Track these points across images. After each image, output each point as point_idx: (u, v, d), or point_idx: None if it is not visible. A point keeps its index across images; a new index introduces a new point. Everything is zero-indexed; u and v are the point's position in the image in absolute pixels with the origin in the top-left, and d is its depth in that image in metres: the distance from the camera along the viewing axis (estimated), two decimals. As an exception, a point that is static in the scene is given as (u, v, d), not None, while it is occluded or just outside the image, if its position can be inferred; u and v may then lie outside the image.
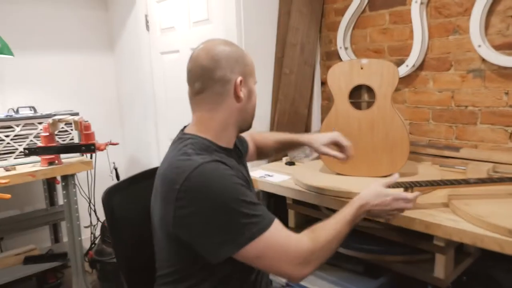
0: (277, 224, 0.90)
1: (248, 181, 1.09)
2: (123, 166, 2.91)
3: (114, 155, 2.44)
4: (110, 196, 1.07)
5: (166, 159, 1.00)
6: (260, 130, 2.10)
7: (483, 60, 1.64)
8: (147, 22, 2.59)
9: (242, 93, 1.01)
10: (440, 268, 1.29)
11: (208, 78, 0.99)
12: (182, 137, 1.01)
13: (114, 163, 2.27)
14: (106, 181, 1.67)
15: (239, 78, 1.00)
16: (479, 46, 1.61)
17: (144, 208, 1.08)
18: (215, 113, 1.01)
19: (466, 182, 1.25)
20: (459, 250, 1.42)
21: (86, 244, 2.35)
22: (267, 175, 1.79)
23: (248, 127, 1.10)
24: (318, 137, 1.33)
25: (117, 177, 2.27)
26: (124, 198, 1.11)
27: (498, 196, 1.27)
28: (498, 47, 1.60)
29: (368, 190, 1.08)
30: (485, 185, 1.27)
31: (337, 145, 1.33)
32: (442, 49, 1.76)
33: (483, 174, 1.52)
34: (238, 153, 1.18)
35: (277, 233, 0.89)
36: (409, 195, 1.10)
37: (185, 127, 1.08)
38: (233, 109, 1.02)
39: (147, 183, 1.10)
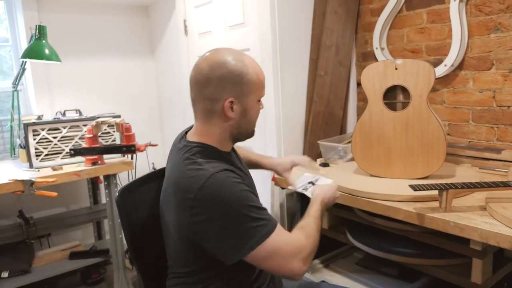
0: (279, 226, 0.96)
1: (252, 184, 1.13)
2: (163, 166, 3.01)
3: (154, 155, 2.53)
4: (123, 195, 1.13)
5: (174, 166, 1.04)
6: (295, 133, 2.11)
7: (527, 58, 1.57)
8: (185, 26, 2.67)
9: (234, 113, 1.02)
10: (477, 273, 1.25)
11: (199, 93, 1.02)
12: (188, 145, 1.04)
13: (153, 163, 2.35)
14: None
15: (229, 99, 1.00)
16: (522, 43, 1.55)
17: (153, 207, 1.14)
18: (209, 126, 1.04)
19: (504, 185, 1.20)
20: (499, 255, 1.37)
21: (127, 242, 2.44)
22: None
23: (246, 137, 1.11)
24: (280, 163, 1.43)
25: (156, 177, 2.34)
26: (136, 197, 1.17)
27: (541, 199, 1.21)
28: (543, 45, 1.54)
29: (319, 188, 1.23)
30: (525, 188, 1.22)
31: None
32: (483, 48, 1.70)
33: (526, 177, 1.46)
34: (238, 154, 1.22)
35: (281, 234, 0.96)
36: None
37: (186, 132, 1.12)
38: (224, 126, 1.04)
39: (157, 182, 1.18)
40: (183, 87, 2.79)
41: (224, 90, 0.99)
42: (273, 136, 2.03)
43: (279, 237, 0.94)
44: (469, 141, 1.81)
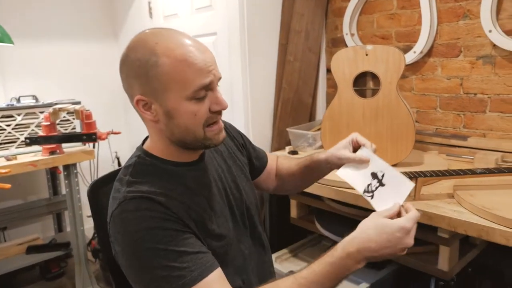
0: (213, 279, 0.75)
1: (208, 208, 0.87)
2: (127, 155, 2.90)
3: (117, 144, 2.43)
4: (94, 190, 1.04)
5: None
6: (263, 120, 2.06)
7: (494, 45, 1.57)
8: (150, 9, 2.55)
9: (153, 114, 0.81)
10: (444, 260, 1.25)
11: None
12: (135, 153, 0.90)
13: (116, 152, 2.25)
14: (109, 171, 1.67)
15: (136, 98, 0.80)
16: (490, 31, 1.54)
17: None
18: (149, 131, 0.88)
19: (472, 173, 1.20)
20: (465, 241, 1.38)
21: (89, 234, 2.34)
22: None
23: (200, 144, 0.85)
24: (337, 146, 1.04)
25: (119, 166, 2.26)
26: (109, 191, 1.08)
27: (506, 186, 1.22)
28: (509, 32, 1.54)
29: (362, 229, 0.78)
30: (492, 175, 1.22)
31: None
32: (452, 35, 1.70)
33: (491, 164, 1.48)
34: (223, 152, 1.02)
35: None
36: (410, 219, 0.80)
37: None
38: (157, 130, 0.85)
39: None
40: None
41: (130, 86, 0.81)
42: (241, 124, 1.98)
43: None
44: (436, 128, 1.82)
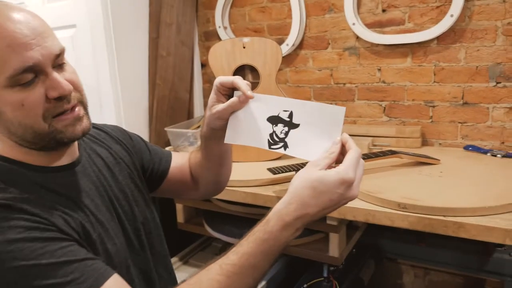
0: (112, 286, 0.62)
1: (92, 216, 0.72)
2: None
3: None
4: None
5: None
6: (138, 121, 1.90)
7: (357, 37, 1.68)
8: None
9: None
10: (335, 247, 1.29)
11: None
12: None
13: None
14: None
15: None
16: (353, 24, 1.64)
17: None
18: None
19: (354, 159, 1.25)
20: (350, 225, 1.44)
21: None
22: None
23: (48, 143, 0.69)
24: (209, 102, 0.82)
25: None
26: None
27: (383, 169, 1.30)
28: (369, 25, 1.66)
29: (297, 189, 0.65)
30: (369, 160, 1.29)
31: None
32: (320, 28, 1.77)
33: (364, 149, 1.57)
34: (107, 157, 0.85)
35: None
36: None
37: None
38: None
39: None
40: None
41: None
42: (114, 126, 1.78)
43: None
44: (312, 119, 1.88)
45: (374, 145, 1.64)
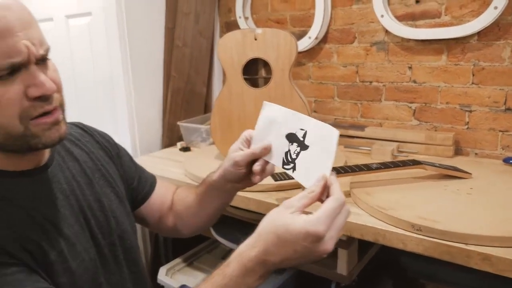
0: None
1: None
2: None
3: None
4: None
5: None
6: (151, 114, 1.82)
7: (387, 31, 1.51)
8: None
9: None
10: (343, 264, 1.15)
11: None
12: None
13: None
14: None
15: None
16: (382, 16, 1.48)
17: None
18: None
19: (368, 168, 1.11)
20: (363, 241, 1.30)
21: None
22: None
23: (20, 147, 0.61)
24: (228, 154, 0.80)
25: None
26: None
27: (402, 181, 1.15)
28: (400, 18, 1.49)
29: (261, 233, 0.60)
30: (385, 170, 1.14)
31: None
32: (346, 20, 1.61)
33: (387, 155, 1.42)
34: (84, 162, 0.78)
35: None
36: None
37: None
38: None
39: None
40: None
41: None
42: (124, 118, 1.72)
43: None
44: (335, 118, 1.74)
45: (400, 152, 1.47)
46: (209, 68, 1.95)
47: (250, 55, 1.33)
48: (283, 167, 0.69)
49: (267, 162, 0.74)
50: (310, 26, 1.66)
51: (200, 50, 1.87)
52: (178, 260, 1.57)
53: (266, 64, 1.35)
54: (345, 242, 1.13)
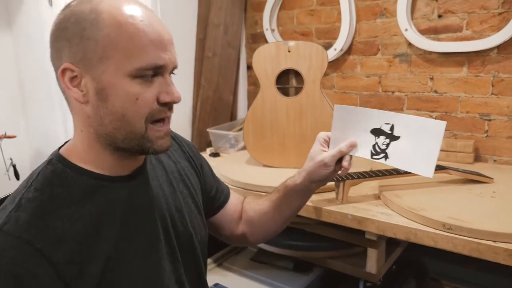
0: None
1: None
2: (27, 162, 2.56)
3: (14, 149, 2.12)
4: None
5: None
6: (181, 121, 1.91)
7: (409, 44, 1.60)
8: (49, -4, 2.27)
9: (79, 93, 0.61)
10: (372, 263, 1.23)
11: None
12: (48, 158, 0.66)
13: (11, 159, 1.96)
14: (2, 180, 1.41)
15: (63, 66, 0.60)
16: (406, 30, 1.56)
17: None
18: (73, 118, 0.66)
19: (397, 172, 1.19)
20: (390, 239, 1.37)
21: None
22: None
23: (132, 147, 0.64)
24: (310, 157, 0.87)
25: (16, 175, 1.96)
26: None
27: (428, 185, 1.22)
28: (423, 32, 1.57)
29: None
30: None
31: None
32: (370, 33, 1.70)
33: (411, 161, 1.49)
34: (172, 172, 0.80)
35: None
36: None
37: None
38: (81, 116, 0.64)
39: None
40: (50, 66, 2.38)
41: (57, 52, 0.62)
42: (158, 125, 1.82)
43: None
44: (357, 126, 1.82)
45: (422, 158, 1.55)
46: (235, 77, 2.04)
47: (284, 66, 1.42)
48: (372, 158, 0.81)
49: (351, 157, 0.84)
50: (335, 38, 1.75)
51: (228, 60, 1.97)
52: (208, 260, 1.65)
53: (297, 74, 1.44)
54: (375, 241, 1.21)
